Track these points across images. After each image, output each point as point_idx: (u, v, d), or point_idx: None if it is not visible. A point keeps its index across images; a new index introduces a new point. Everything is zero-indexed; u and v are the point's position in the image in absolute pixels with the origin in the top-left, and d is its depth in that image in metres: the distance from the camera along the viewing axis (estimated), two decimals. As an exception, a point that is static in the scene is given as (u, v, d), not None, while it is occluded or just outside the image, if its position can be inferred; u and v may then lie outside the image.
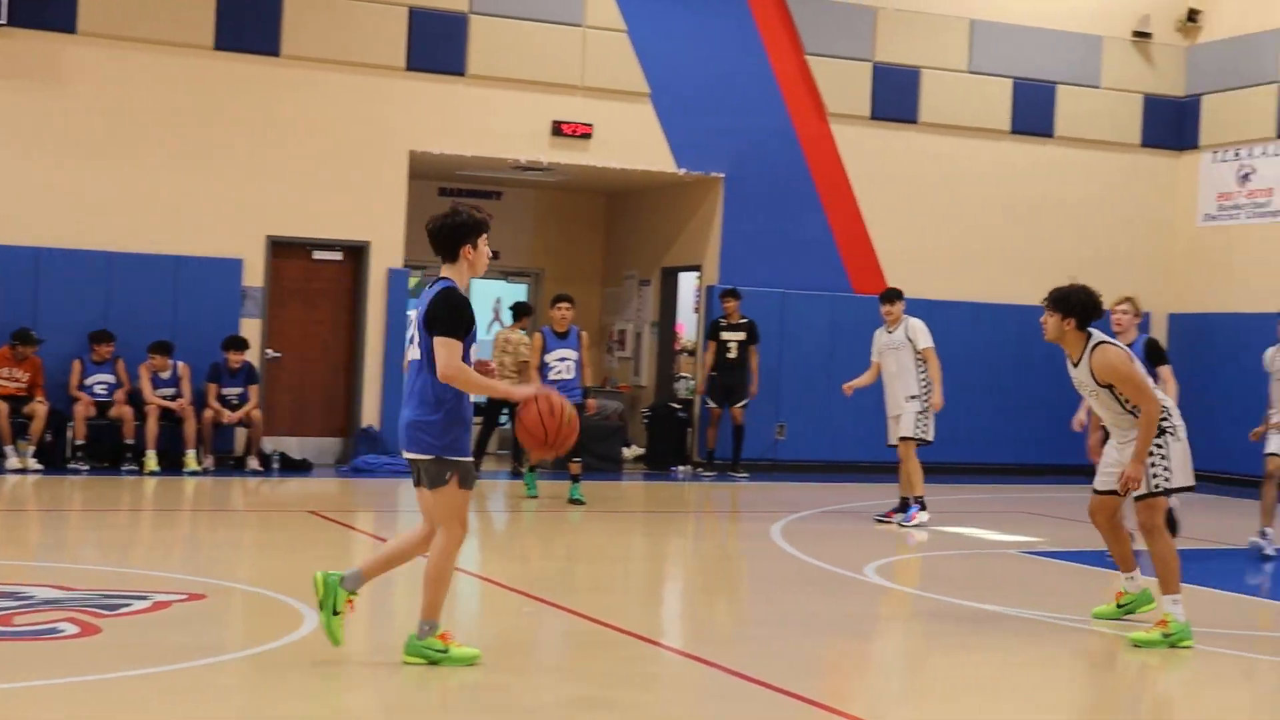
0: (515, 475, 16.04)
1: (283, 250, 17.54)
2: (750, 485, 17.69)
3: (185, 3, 16.91)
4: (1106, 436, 9.24)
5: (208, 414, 16.38)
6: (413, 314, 7.37)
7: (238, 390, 16.61)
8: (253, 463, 16.58)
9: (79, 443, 15.91)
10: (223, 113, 17.08)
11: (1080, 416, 12.18)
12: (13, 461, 15.47)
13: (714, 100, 19.10)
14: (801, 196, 19.53)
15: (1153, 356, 11.61)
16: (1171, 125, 21.41)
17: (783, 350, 19.15)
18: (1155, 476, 8.64)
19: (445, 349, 7.05)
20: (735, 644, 8.50)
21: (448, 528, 7.29)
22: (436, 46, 17.85)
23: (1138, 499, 8.69)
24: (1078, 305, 8.82)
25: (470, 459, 7.36)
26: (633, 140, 18.70)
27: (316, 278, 17.84)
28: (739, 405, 18.37)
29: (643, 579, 11.57)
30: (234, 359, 16.53)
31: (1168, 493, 8.68)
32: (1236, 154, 20.79)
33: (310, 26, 17.36)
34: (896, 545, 12.95)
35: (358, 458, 17.22)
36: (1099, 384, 8.74)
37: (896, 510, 14.16)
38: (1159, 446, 8.65)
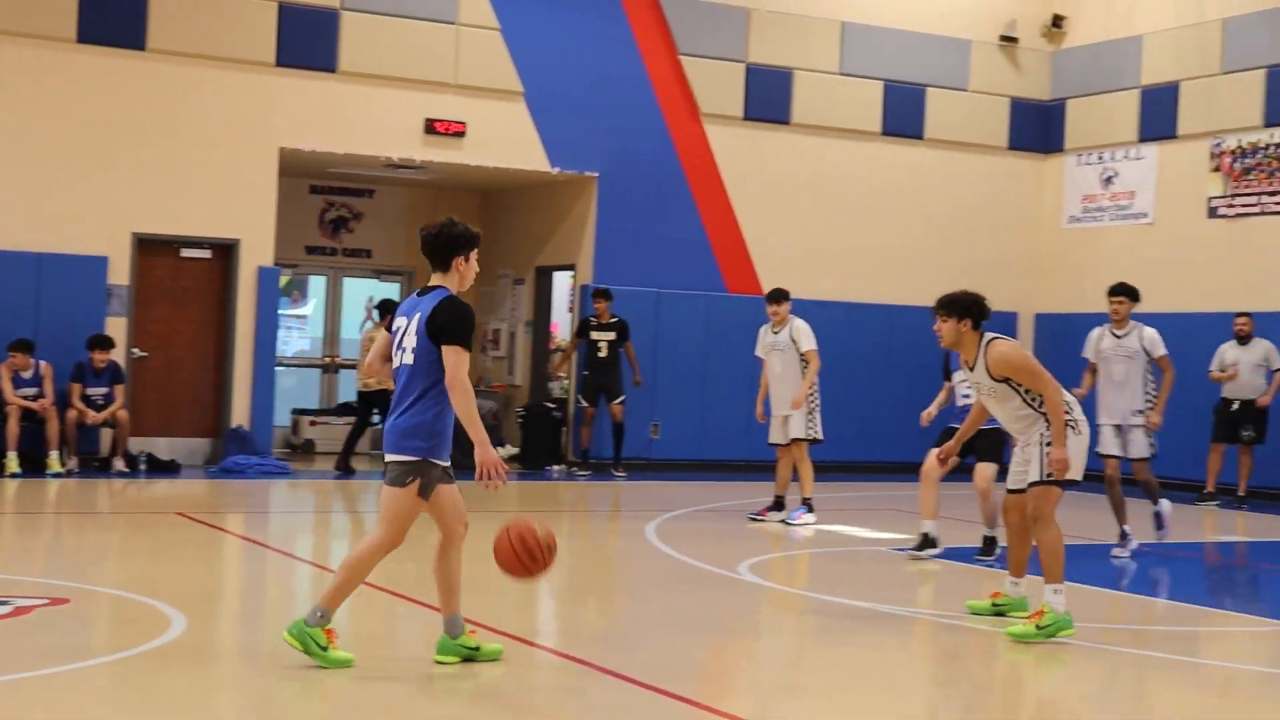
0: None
1: (149, 248, 17.23)
2: (625, 484, 17.70)
3: (48, -6, 16.57)
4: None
5: (71, 414, 16.05)
6: (400, 321, 7.33)
7: (103, 390, 16.30)
8: (119, 464, 16.27)
9: (-63, 445, 15.51)
10: (87, 107, 16.74)
11: (930, 410, 12.28)
12: None
13: (588, 100, 19.09)
14: (675, 196, 19.59)
15: None
16: (1037, 129, 21.79)
17: (657, 349, 19.20)
18: (1049, 466, 8.75)
19: (456, 356, 7.09)
20: (610, 643, 8.48)
21: (387, 527, 7.25)
22: (307, 42, 17.65)
23: (1031, 485, 8.80)
24: (971, 307, 8.96)
25: (445, 464, 7.30)
26: (506, 139, 18.63)
27: (184, 276, 17.55)
28: (617, 402, 18.38)
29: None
30: (99, 358, 16.21)
31: (1059, 484, 8.79)
32: (1100, 157, 21.20)
33: (177, 20, 17.07)
34: (770, 543, 13.03)
35: (228, 458, 16.97)
36: (995, 379, 8.82)
37: (770, 508, 14.24)
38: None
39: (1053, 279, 21.35)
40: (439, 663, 7.47)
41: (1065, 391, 8.96)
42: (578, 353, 18.84)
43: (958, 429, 11.57)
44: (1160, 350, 12.41)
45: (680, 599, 9.95)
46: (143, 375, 17.32)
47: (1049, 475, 8.77)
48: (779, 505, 14.27)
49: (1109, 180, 21.06)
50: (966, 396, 11.63)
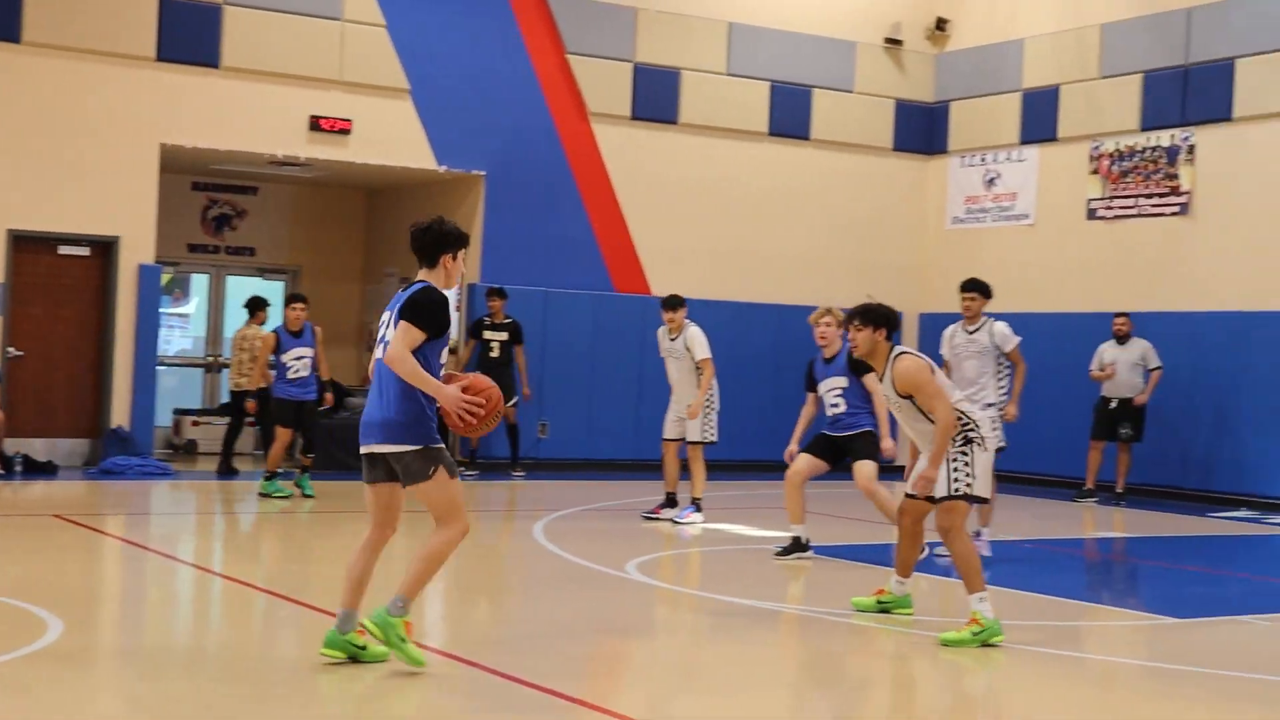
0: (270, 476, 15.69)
1: (25, 245, 16.88)
2: (511, 484, 17.63)
3: (-80, -15, 16.18)
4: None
5: (-55, 415, 15.69)
6: (384, 316, 7.37)
7: (-22, 390, 15.95)
8: (-6, 466, 15.93)
9: None
10: (-39, 101, 16.38)
11: (792, 447, 12.11)
12: None
13: (475, 98, 19.00)
14: (563, 195, 19.56)
15: (855, 366, 11.51)
16: (921, 130, 22.03)
17: (545, 349, 19.14)
18: (956, 481, 8.77)
19: (406, 334, 7.05)
20: (499, 644, 8.44)
21: (450, 521, 7.31)
22: (189, 37, 17.39)
23: (937, 501, 8.86)
24: (885, 316, 9.01)
25: (444, 448, 7.26)
26: (393, 137, 18.50)
27: (63, 274, 17.22)
28: (510, 404, 18.29)
29: (399, 579, 11.39)
30: (-27, 358, 15.86)
31: (967, 498, 8.84)
32: (983, 159, 21.48)
33: (54, 12, 16.73)
34: (657, 542, 13.04)
35: (107, 459, 16.68)
36: (900, 395, 8.89)
37: (664, 506, 14.28)
38: (964, 454, 8.78)
39: (936, 279, 21.58)
40: (324, 654, 7.40)
41: (976, 409, 9.01)
42: (463, 350, 18.72)
43: (830, 435, 11.69)
44: (1011, 344, 12.38)
45: (569, 599, 9.92)
46: (19, 375, 16.96)
47: (913, 493, 8.89)
48: (671, 502, 14.32)
49: (991, 182, 21.35)
50: (835, 406, 11.68)
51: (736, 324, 20.06)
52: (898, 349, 8.98)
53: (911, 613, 9.38)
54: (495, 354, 18.08)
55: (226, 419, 17.93)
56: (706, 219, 20.53)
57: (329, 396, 15.84)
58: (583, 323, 19.45)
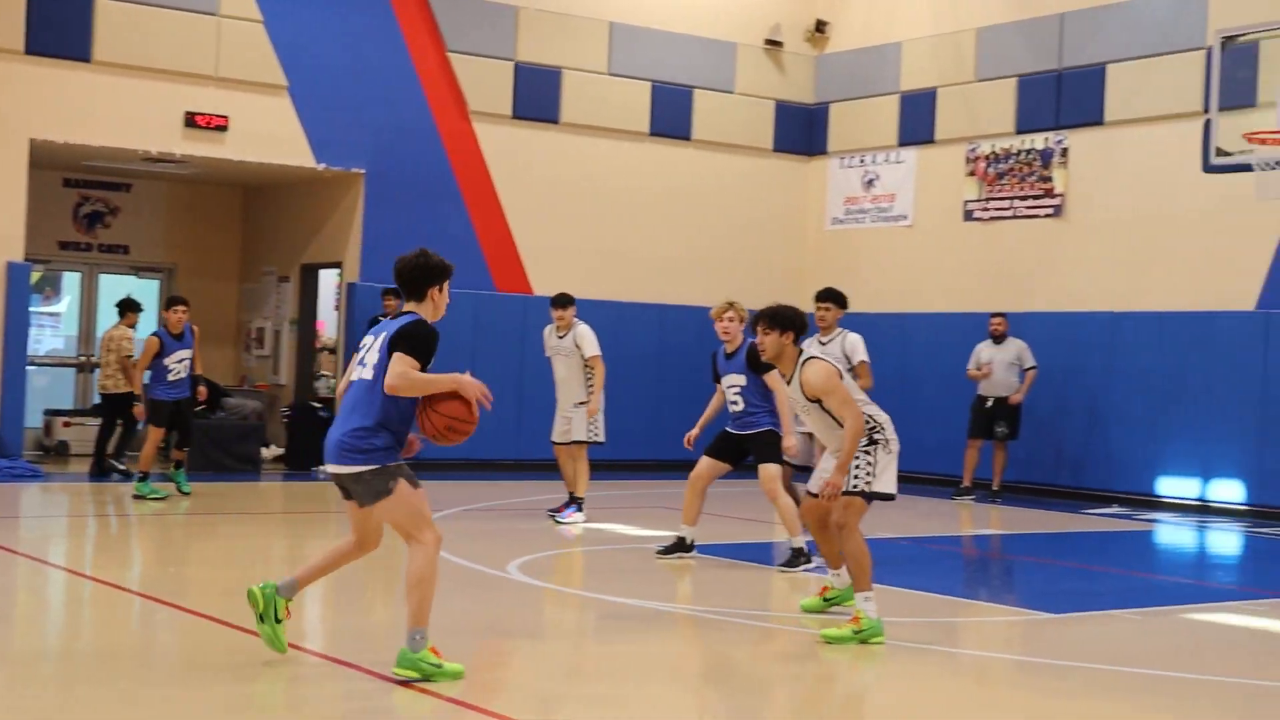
0: (163, 477, 15.45)
1: (-110, 242, 16.46)
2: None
3: None
4: None
5: None
6: (367, 339, 7.45)
7: None
8: None
9: None
10: None
11: (693, 432, 12.12)
12: None
13: (354, 95, 18.82)
14: (444, 194, 19.44)
15: (755, 364, 11.39)
16: (801, 131, 22.18)
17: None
18: (856, 478, 8.81)
19: (401, 364, 7.12)
20: (378, 646, 8.34)
21: (419, 534, 7.26)
22: (59, 29, 17.03)
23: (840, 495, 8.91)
24: (793, 320, 8.98)
25: (403, 463, 7.31)
26: (270, 133, 18.26)
27: (-72, 272, 16.80)
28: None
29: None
30: None
31: (866, 496, 8.86)
32: (861, 160, 21.68)
33: (-80, 4, 16.33)
34: (538, 542, 12.98)
35: (-25, 462, 16.31)
36: (808, 399, 8.91)
37: (574, 509, 14.26)
38: (868, 454, 8.83)
39: (816, 279, 21.59)
40: (250, 596, 7.46)
41: (882, 412, 9.06)
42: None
43: (732, 432, 11.65)
44: (860, 356, 12.38)
45: (450, 599, 9.83)
46: (-117, 375, 16.53)
47: (817, 493, 8.92)
48: (573, 503, 14.36)
49: (870, 183, 21.55)
50: (734, 403, 11.64)
51: (618, 324, 20.03)
52: (807, 353, 9.01)
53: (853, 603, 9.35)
54: None
55: (99, 420, 17.60)
56: (588, 219, 20.51)
57: (202, 390, 15.62)
58: (464, 322, 19.30)
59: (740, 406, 11.58)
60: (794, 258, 21.93)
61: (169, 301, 15.32)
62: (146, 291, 20.21)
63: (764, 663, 8.68)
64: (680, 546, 11.70)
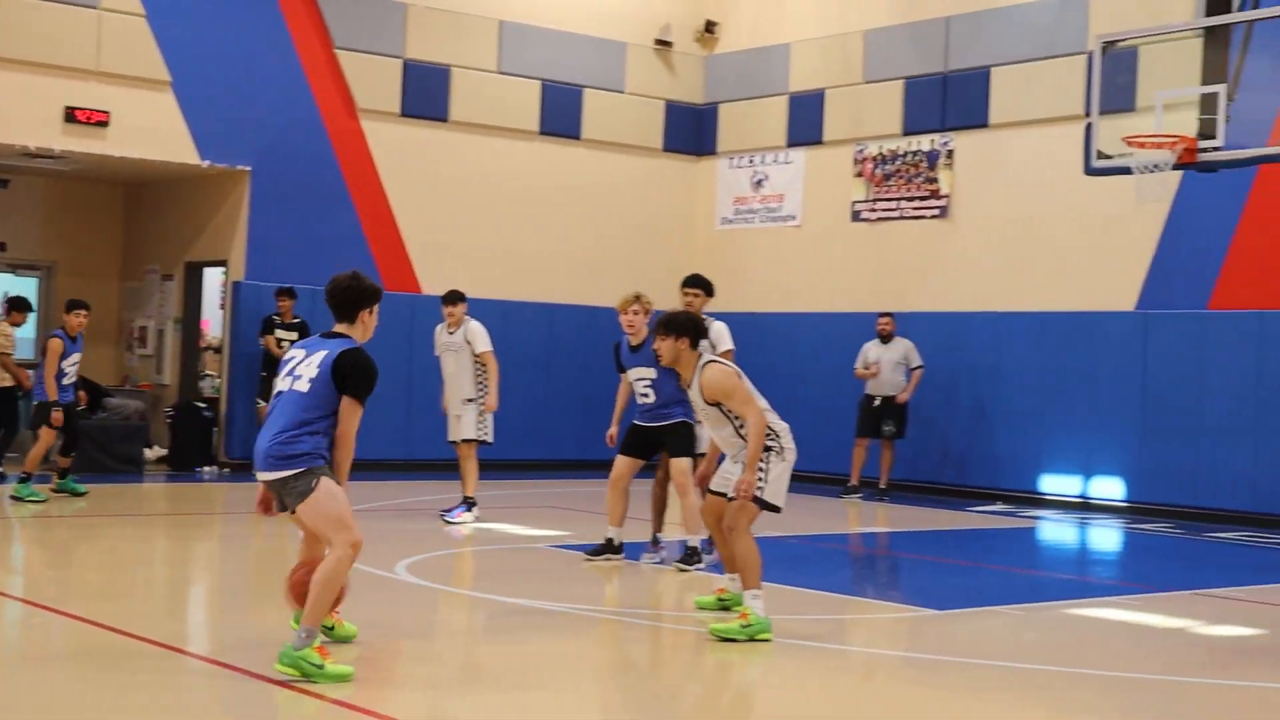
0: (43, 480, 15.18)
1: None
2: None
3: None
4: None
5: None
6: (297, 352, 7.62)
7: None
8: None
9: None
10: None
11: (612, 430, 12.09)
12: None
13: (239, 91, 18.58)
14: (331, 192, 19.26)
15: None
16: (691, 131, 22.25)
17: (312, 348, 18.80)
18: (735, 489, 8.88)
19: (354, 414, 7.41)
20: (264, 649, 8.23)
21: (339, 536, 7.33)
22: (-64, 22, 16.66)
23: (730, 499, 8.93)
24: (688, 326, 9.04)
25: (327, 466, 7.43)
26: (153, 129, 17.97)
27: None
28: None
29: (165, 584, 11.11)
30: None
31: (758, 503, 8.88)
32: (750, 161, 21.79)
33: None
34: (427, 543, 12.90)
35: None
36: (707, 403, 8.94)
37: (464, 508, 14.20)
38: (762, 461, 8.87)
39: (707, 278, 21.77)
40: (289, 667, 7.33)
41: (780, 420, 9.09)
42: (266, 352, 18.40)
43: (642, 425, 11.59)
44: (725, 344, 11.97)
45: (348, 604, 9.73)
46: None
47: (733, 496, 8.95)
48: (467, 504, 14.35)
49: (759, 183, 21.67)
50: (645, 395, 11.57)
51: (507, 323, 19.95)
52: (705, 357, 9.06)
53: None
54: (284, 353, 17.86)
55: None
56: (477, 217, 20.43)
57: (82, 395, 15.40)
58: (352, 321, 19.14)
59: (651, 399, 11.47)
60: (683, 257, 21.95)
61: (70, 305, 15.13)
62: (24, 290, 19.78)
63: (653, 659, 8.69)
64: (609, 548, 11.59)
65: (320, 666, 7.20)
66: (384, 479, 18.04)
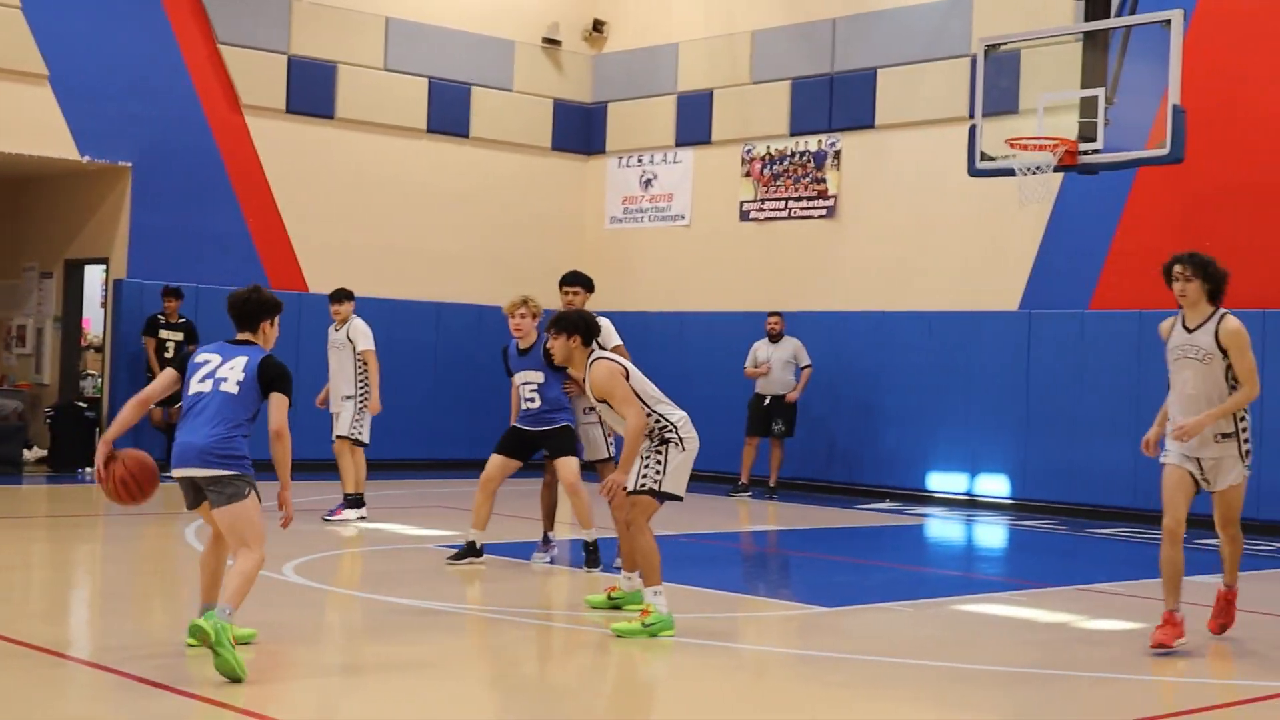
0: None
1: None
2: (165, 485, 17.00)
3: None
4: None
5: None
6: (212, 356, 7.98)
7: None
8: None
9: None
10: None
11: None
12: None
13: (119, 86, 18.28)
14: (215, 189, 19.01)
15: (552, 361, 11.42)
16: (580, 130, 22.24)
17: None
18: (645, 477, 8.88)
19: (283, 407, 7.86)
20: (151, 652, 8.11)
21: (254, 540, 7.74)
22: None
23: (629, 492, 8.92)
24: (580, 324, 9.07)
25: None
26: (29, 124, 17.63)
27: None
28: (177, 406, 17.73)
29: (44, 587, 10.89)
30: None
31: (656, 495, 8.89)
32: (639, 160, 21.82)
33: None
34: (315, 543, 12.77)
35: None
36: (597, 400, 8.95)
37: (345, 505, 14.10)
38: (658, 452, 8.90)
39: (596, 278, 21.70)
40: (191, 645, 7.67)
41: (676, 410, 9.08)
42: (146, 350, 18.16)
43: (524, 429, 11.50)
44: (613, 340, 12.07)
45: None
46: None
47: (606, 493, 8.95)
48: (357, 503, 14.30)
49: (648, 183, 21.70)
50: (530, 400, 11.49)
51: (394, 321, 19.84)
52: (596, 354, 9.06)
53: (641, 604, 9.33)
54: (170, 354, 17.75)
55: None
56: (365, 215, 20.27)
57: None
58: (236, 320, 18.91)
59: (536, 404, 11.36)
60: (573, 256, 21.92)
61: None
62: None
63: (551, 658, 8.67)
64: (470, 551, 11.50)
65: (230, 648, 7.22)
66: (268, 479, 17.82)
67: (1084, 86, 15.11)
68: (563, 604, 10.41)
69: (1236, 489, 8.79)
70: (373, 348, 14.22)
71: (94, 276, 19.91)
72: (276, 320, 8.18)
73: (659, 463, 8.91)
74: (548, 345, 9.20)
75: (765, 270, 20.13)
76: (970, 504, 17.76)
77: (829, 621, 10.00)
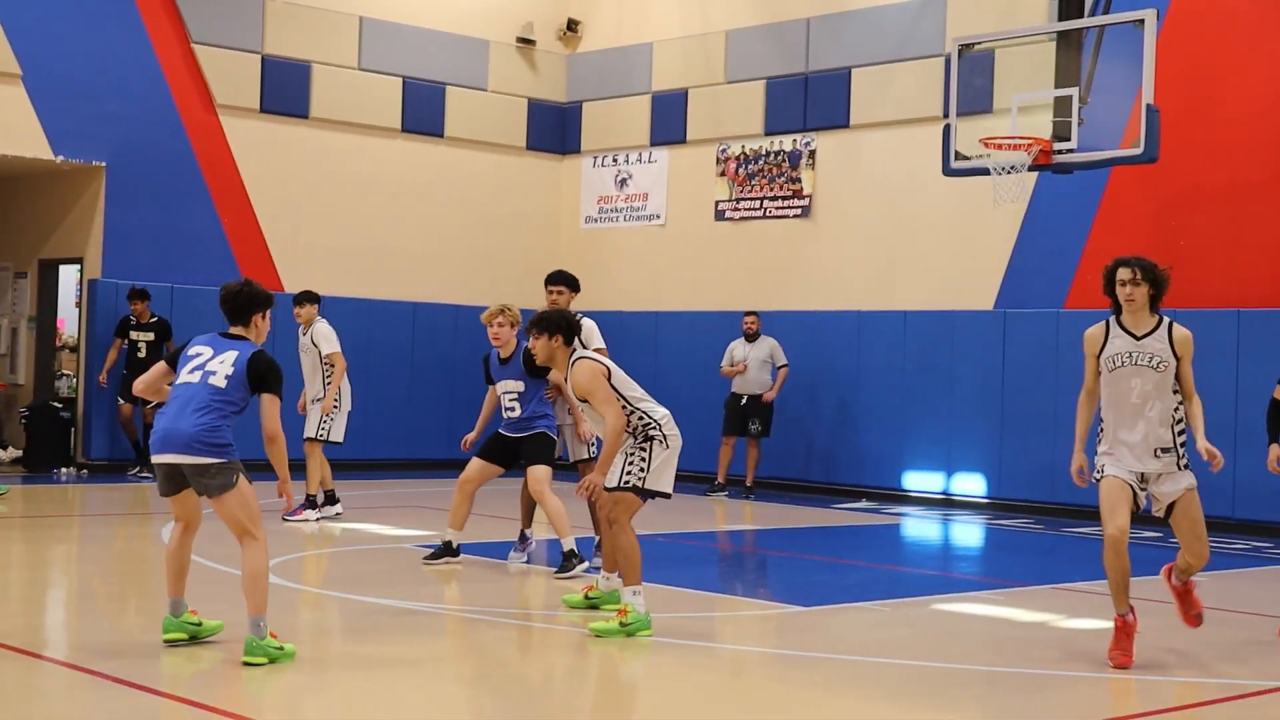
0: None
1: None
2: (140, 486, 16.98)
3: None
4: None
5: None
6: (203, 349, 8.06)
7: None
8: None
9: None
10: None
11: (470, 436, 11.99)
12: None
13: (94, 86, 18.22)
14: (190, 188, 18.95)
15: (532, 368, 11.18)
16: (554, 130, 22.23)
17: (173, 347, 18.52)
18: (629, 475, 8.89)
19: (275, 409, 7.87)
20: (127, 652, 8.09)
21: (254, 524, 7.88)
22: None
23: (608, 490, 8.93)
24: (560, 324, 9.07)
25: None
26: (3, 124, 17.58)
27: None
28: (150, 406, 17.69)
29: (22, 587, 10.84)
30: None
31: (640, 493, 8.90)
32: (614, 160, 21.82)
33: None
34: (291, 544, 12.75)
35: None
36: (579, 399, 8.97)
37: (305, 506, 14.09)
38: (642, 449, 8.92)
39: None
40: (167, 641, 7.94)
41: (659, 408, 9.09)
42: (120, 354, 18.08)
43: (505, 435, 11.47)
44: (596, 342, 11.54)
45: (198, 603, 9.58)
46: None
47: (584, 493, 8.96)
48: (331, 499, 14.34)
49: (623, 182, 21.71)
50: (511, 409, 11.44)
51: (370, 321, 19.85)
52: (578, 353, 9.08)
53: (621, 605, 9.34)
54: (142, 354, 17.75)
55: None
56: (340, 215, 20.23)
57: None
58: (211, 320, 18.66)
59: (517, 412, 11.31)
60: (548, 256, 21.92)
61: None
62: None
63: (528, 658, 8.67)
64: (447, 551, 11.48)
65: (281, 648, 7.68)
66: (263, 479, 17.78)
67: (1058, 86, 15.18)
68: (540, 604, 10.41)
69: (1191, 494, 8.34)
70: (338, 349, 14.23)
71: (69, 276, 19.83)
72: (268, 314, 8.22)
73: (643, 460, 8.92)
74: (529, 345, 9.20)
75: (741, 270, 20.15)
76: (947, 503, 17.81)
77: (806, 621, 10.02)
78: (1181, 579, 8.85)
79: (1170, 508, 8.42)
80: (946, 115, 16.05)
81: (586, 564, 11.11)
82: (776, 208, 19.90)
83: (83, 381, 18.52)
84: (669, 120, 21.12)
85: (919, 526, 16.37)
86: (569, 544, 11.11)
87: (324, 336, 14.27)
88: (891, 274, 18.74)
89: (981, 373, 17.65)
